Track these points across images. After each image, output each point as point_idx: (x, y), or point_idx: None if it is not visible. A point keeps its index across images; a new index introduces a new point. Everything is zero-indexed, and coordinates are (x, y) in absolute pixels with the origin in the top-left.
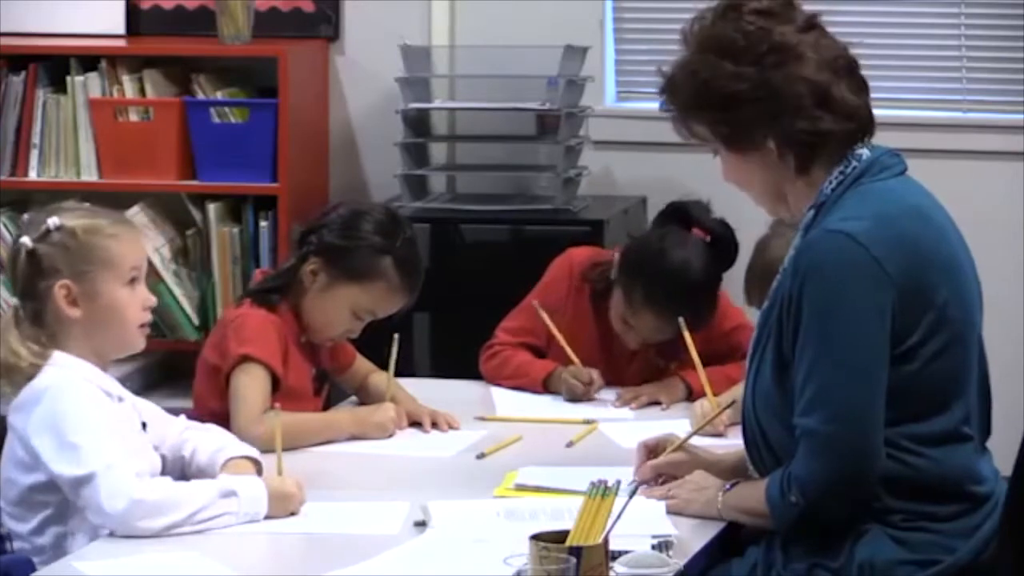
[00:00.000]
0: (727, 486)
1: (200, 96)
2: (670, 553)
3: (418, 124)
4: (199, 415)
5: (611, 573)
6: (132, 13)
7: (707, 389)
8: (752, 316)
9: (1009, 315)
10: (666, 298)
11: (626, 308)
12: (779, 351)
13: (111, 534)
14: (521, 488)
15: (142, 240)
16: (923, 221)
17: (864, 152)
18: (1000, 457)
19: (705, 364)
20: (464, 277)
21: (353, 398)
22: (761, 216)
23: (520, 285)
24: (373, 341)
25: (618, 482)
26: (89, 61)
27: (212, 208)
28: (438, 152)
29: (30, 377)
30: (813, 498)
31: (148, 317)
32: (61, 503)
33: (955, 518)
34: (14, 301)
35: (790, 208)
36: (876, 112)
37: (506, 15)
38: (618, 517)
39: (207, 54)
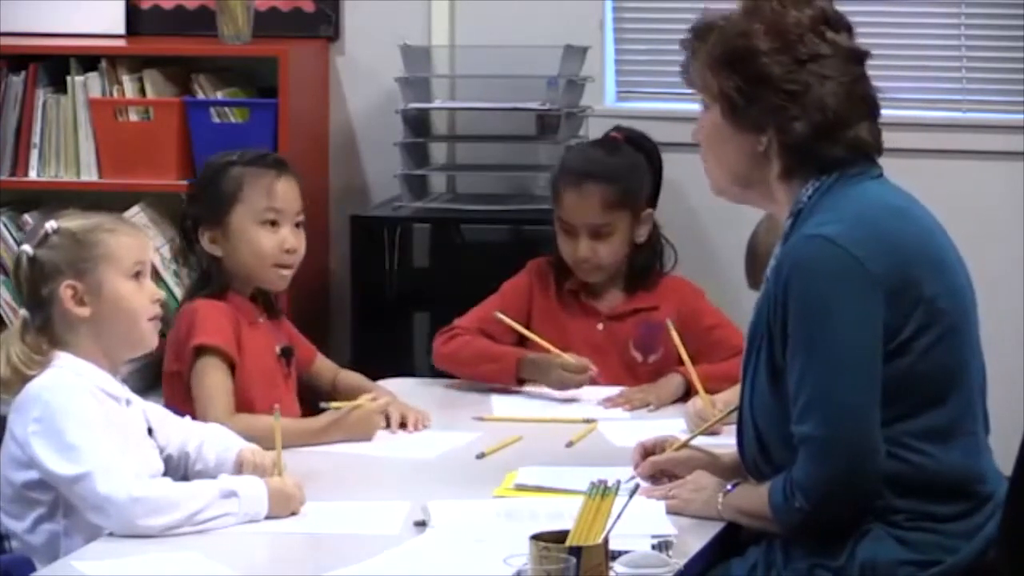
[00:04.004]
0: (728, 487)
1: (200, 96)
2: (670, 553)
3: (418, 124)
4: None
5: (611, 573)
6: (132, 13)
7: (699, 387)
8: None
9: (1009, 315)
10: (577, 165)
11: (556, 209)
12: (771, 359)
13: (111, 534)
14: (521, 488)
15: (143, 237)
16: (903, 218)
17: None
18: (1000, 457)
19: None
20: (464, 277)
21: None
22: (757, 213)
23: None
24: (377, 343)
25: (618, 482)
26: (89, 61)
27: None
28: (438, 152)
29: (31, 378)
30: (817, 502)
31: (157, 310)
32: (53, 502)
33: (958, 518)
34: (23, 312)
35: (746, 197)
36: None
37: (506, 15)
38: (618, 517)
39: (207, 54)
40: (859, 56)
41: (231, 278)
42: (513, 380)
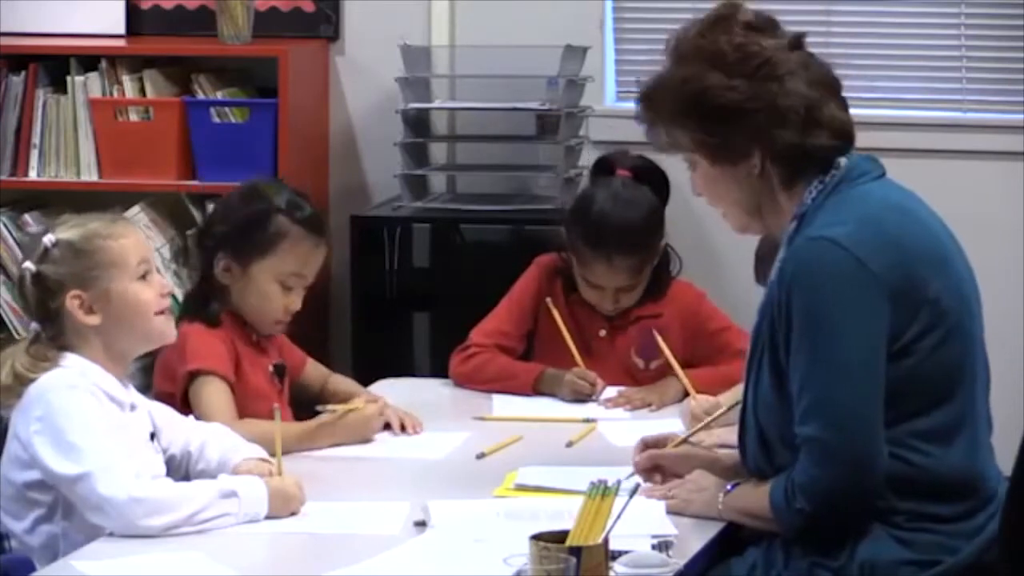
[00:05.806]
0: (728, 487)
1: (200, 96)
2: (670, 553)
3: (418, 124)
4: None
5: (611, 573)
6: (132, 13)
7: (690, 388)
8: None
9: (1009, 315)
10: (605, 238)
11: (580, 267)
12: (775, 362)
13: (111, 534)
14: (521, 488)
15: (141, 235)
16: (905, 217)
17: (842, 160)
18: (1000, 457)
19: (694, 365)
20: (464, 277)
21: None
22: None
23: None
24: (377, 343)
25: (618, 482)
26: (89, 61)
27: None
28: (438, 152)
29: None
30: (818, 504)
31: (166, 303)
32: (52, 503)
33: (959, 519)
34: (34, 326)
35: (765, 224)
36: (876, 112)
37: (506, 15)
38: (618, 517)
39: (207, 54)
40: (797, 42)
41: (231, 306)
42: (529, 392)
